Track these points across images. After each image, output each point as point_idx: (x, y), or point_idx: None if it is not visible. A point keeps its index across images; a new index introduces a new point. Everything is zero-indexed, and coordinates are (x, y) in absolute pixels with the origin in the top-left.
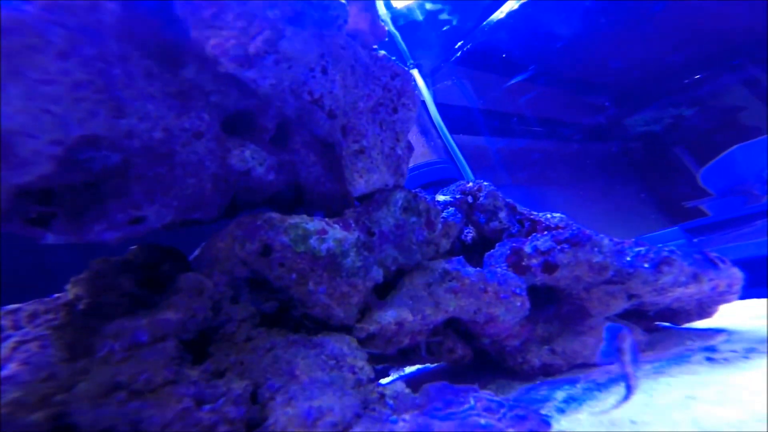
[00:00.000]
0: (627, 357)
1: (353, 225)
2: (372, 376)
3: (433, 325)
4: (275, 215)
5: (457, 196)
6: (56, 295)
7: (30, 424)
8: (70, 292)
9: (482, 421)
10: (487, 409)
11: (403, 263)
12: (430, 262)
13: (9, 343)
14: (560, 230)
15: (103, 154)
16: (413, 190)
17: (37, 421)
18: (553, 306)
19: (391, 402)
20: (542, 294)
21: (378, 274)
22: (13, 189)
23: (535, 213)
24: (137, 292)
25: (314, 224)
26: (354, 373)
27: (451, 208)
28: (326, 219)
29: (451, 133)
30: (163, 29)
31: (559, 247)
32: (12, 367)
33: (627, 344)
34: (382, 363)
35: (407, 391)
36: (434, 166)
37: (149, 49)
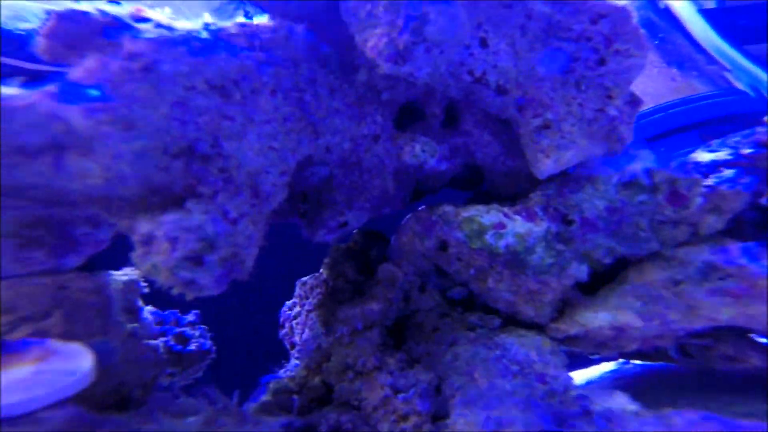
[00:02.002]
0: None
1: (540, 214)
2: (571, 384)
3: (684, 332)
4: (450, 209)
5: (746, 151)
6: (320, 272)
7: (312, 387)
8: (324, 272)
9: None
10: None
11: (625, 253)
12: (678, 249)
13: (303, 311)
14: None
15: (315, 169)
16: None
17: (315, 385)
18: None
19: (603, 422)
20: None
21: (580, 270)
22: (269, 216)
23: None
24: (356, 278)
25: (491, 217)
26: (544, 382)
27: (729, 170)
28: (506, 209)
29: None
30: (337, 39)
31: None
32: (305, 334)
33: None
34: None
35: (632, 408)
36: (698, 103)
37: (330, 66)
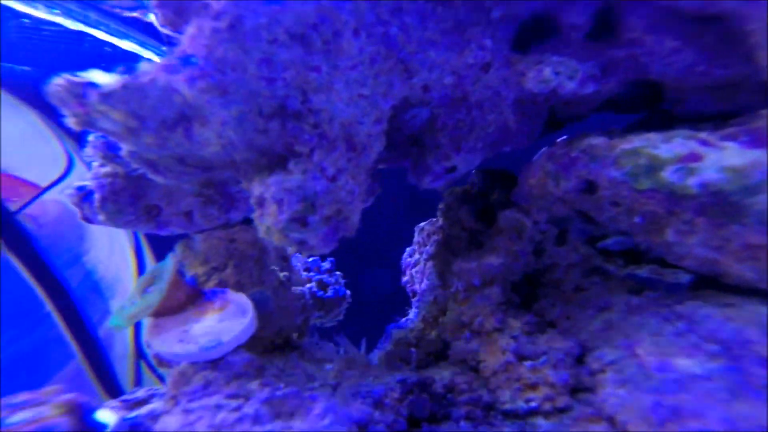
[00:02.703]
0: None
1: None
2: None
3: None
4: (599, 140)
5: None
6: (436, 218)
7: (429, 341)
8: (439, 218)
9: None
10: None
11: None
12: None
13: (422, 260)
14: None
15: (414, 111)
16: None
17: (431, 339)
18: None
19: None
20: None
21: None
22: (369, 168)
23: None
24: (473, 226)
25: (673, 147)
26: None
27: None
28: (705, 134)
29: None
30: None
31: None
32: (423, 284)
33: None
34: None
35: None
36: None
37: None
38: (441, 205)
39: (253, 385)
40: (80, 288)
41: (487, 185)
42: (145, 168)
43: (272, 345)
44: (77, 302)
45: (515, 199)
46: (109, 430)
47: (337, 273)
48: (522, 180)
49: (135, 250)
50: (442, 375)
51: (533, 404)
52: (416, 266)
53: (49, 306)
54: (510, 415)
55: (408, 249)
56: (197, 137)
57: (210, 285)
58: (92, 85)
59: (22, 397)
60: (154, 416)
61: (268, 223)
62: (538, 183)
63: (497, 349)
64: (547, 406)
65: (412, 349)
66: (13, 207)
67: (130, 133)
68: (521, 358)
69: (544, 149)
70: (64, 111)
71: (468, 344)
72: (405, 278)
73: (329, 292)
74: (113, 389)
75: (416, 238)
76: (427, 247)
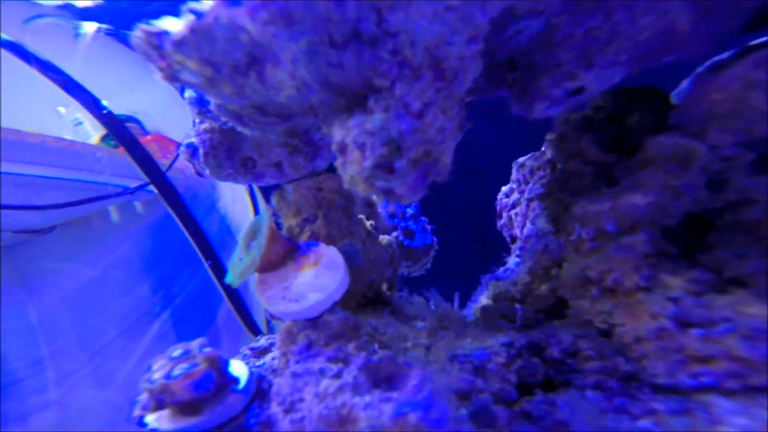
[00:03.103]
0: None
1: None
2: None
3: None
4: None
5: None
6: (543, 149)
7: (539, 296)
8: (547, 151)
9: None
10: None
11: None
12: None
13: (524, 200)
14: None
15: (522, 24)
16: None
17: (542, 294)
18: None
19: None
20: None
21: None
22: (463, 98)
23: None
24: (602, 158)
25: None
26: None
27: None
28: None
29: None
30: None
31: None
32: (527, 228)
33: None
34: None
35: None
36: None
37: None
38: (550, 136)
39: (351, 347)
40: (218, 234)
41: (623, 108)
42: (232, 120)
43: (364, 299)
44: (216, 248)
45: (678, 121)
46: (243, 382)
47: (423, 218)
48: (695, 96)
49: (251, 196)
50: (559, 338)
51: (704, 380)
52: (516, 207)
53: (199, 253)
54: (665, 389)
55: (504, 188)
56: (271, 80)
57: (303, 238)
58: (165, 33)
59: (180, 349)
60: (273, 370)
61: (352, 171)
62: (731, 97)
63: (644, 312)
64: (732, 383)
65: (518, 305)
66: (165, 164)
67: (209, 83)
68: (686, 324)
69: (744, 61)
70: (151, 66)
71: (596, 304)
72: (501, 221)
73: (416, 241)
74: (254, 330)
75: (514, 175)
76: (530, 185)
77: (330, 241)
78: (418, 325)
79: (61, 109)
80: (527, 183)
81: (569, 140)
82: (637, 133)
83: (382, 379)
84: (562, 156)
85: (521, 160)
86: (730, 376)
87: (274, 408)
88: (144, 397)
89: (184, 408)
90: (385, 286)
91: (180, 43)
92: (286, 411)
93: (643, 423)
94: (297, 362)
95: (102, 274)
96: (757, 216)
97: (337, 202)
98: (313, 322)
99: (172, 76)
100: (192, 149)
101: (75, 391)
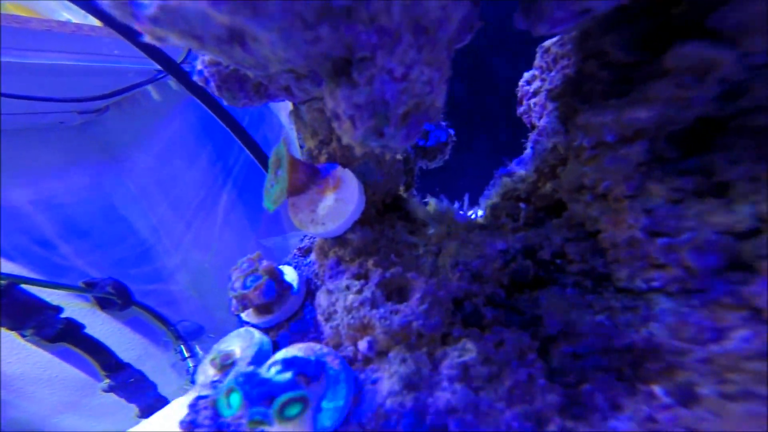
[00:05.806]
0: None
1: None
2: None
3: None
4: None
5: None
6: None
7: (542, 195)
8: (567, 42)
9: None
10: None
11: None
12: None
13: (545, 89)
14: None
15: None
16: None
17: (545, 193)
18: None
19: None
20: None
21: None
22: (449, 42)
23: None
24: (624, 59)
25: None
26: None
27: None
28: None
29: None
30: None
31: None
32: (543, 120)
33: None
34: None
35: None
36: None
37: None
38: (570, 34)
39: (370, 263)
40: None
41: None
42: (234, 65)
43: (384, 205)
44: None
45: (715, 24)
46: (296, 287)
47: None
48: (734, 6)
49: None
50: (551, 240)
51: (655, 284)
52: (536, 96)
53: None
54: (624, 291)
55: (526, 74)
56: (256, 52)
57: (322, 160)
58: (136, 5)
59: (245, 263)
60: (315, 273)
61: (347, 137)
62: None
63: (623, 221)
64: (674, 287)
65: (522, 204)
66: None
67: (198, 48)
68: (654, 234)
69: None
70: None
71: (588, 209)
72: (521, 108)
73: (431, 140)
74: None
75: (538, 60)
76: (552, 73)
77: (346, 161)
78: (428, 231)
79: None
80: (549, 71)
81: (592, 38)
82: (676, 29)
83: (394, 290)
84: (581, 54)
85: (547, 43)
86: (674, 280)
87: (318, 316)
88: (234, 302)
89: (261, 309)
90: (402, 189)
91: (155, 20)
92: (327, 320)
93: (599, 317)
94: (330, 277)
95: (167, 147)
96: (759, 122)
97: None
98: (340, 240)
99: (160, 39)
100: (204, 78)
101: (189, 255)
